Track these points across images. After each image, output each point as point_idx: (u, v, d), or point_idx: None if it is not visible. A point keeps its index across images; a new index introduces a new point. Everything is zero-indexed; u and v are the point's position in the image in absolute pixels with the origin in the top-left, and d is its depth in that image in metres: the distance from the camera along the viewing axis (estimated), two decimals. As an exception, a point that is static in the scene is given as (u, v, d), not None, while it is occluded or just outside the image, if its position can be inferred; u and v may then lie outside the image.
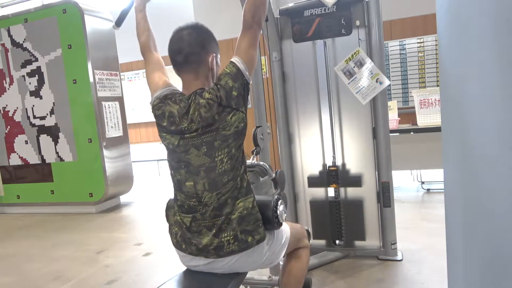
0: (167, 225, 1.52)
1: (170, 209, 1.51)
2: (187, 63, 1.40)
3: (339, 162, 2.60)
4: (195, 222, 1.39)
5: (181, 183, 1.42)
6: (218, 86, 1.35)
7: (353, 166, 2.57)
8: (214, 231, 1.36)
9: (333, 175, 2.59)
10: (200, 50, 1.40)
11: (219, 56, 1.49)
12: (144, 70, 8.53)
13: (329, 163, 2.62)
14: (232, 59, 1.39)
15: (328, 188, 2.64)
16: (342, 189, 2.61)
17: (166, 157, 1.48)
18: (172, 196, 1.51)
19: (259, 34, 1.45)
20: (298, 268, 1.63)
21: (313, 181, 2.65)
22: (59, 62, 4.56)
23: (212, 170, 1.36)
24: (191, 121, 1.35)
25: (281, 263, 1.72)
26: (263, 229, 1.41)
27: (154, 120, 1.47)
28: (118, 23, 1.72)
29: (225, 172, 1.36)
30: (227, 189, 1.37)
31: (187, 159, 1.38)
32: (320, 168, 2.63)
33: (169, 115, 1.39)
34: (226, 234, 1.36)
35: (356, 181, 2.56)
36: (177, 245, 1.46)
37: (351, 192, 2.59)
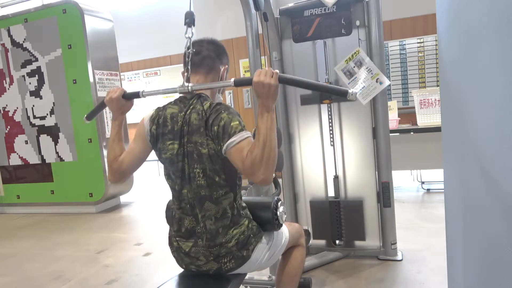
0: (167, 225, 1.52)
1: (169, 210, 1.51)
2: (201, 65, 1.43)
3: (339, 163, 2.60)
4: (195, 247, 1.39)
5: (176, 190, 1.41)
6: (214, 109, 1.31)
7: (353, 166, 2.57)
8: (211, 258, 1.37)
9: (334, 176, 2.59)
10: (215, 58, 1.45)
11: (228, 70, 1.53)
12: (144, 70, 8.46)
13: (329, 163, 2.62)
14: (245, 136, 1.26)
15: (328, 189, 2.64)
16: (342, 189, 2.61)
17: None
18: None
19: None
20: (294, 267, 1.63)
21: (314, 184, 2.65)
22: (59, 62, 4.56)
23: (192, 180, 1.35)
24: (183, 122, 1.35)
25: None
26: (254, 236, 1.40)
27: (161, 140, 1.43)
28: (89, 117, 1.66)
29: (203, 187, 1.33)
30: (211, 214, 1.34)
31: (183, 167, 1.36)
32: (321, 169, 2.63)
33: (172, 116, 1.39)
34: (225, 260, 1.37)
35: (357, 181, 2.56)
36: (179, 263, 1.48)
37: (351, 192, 2.59)
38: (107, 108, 1.54)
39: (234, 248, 1.36)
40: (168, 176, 1.43)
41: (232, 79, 1.34)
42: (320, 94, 2.55)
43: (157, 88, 1.52)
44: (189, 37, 1.40)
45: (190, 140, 1.33)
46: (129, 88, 1.56)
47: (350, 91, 1.20)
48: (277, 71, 1.25)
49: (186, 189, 1.37)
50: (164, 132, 1.39)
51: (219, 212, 1.35)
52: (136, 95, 1.48)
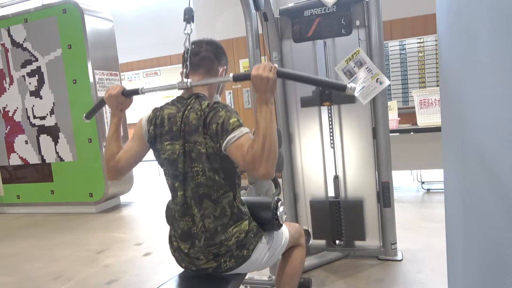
0: (167, 225, 1.52)
1: (169, 210, 1.51)
2: (200, 66, 1.43)
3: (339, 163, 2.60)
4: (193, 249, 1.39)
5: (175, 191, 1.41)
6: (212, 107, 1.32)
7: (353, 166, 2.56)
8: (211, 257, 1.37)
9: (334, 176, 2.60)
10: (214, 59, 1.45)
11: (227, 71, 1.53)
12: (144, 70, 8.47)
13: (329, 163, 2.62)
14: (241, 128, 1.28)
15: (328, 188, 2.64)
16: (342, 189, 2.61)
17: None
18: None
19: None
20: (294, 267, 1.63)
21: (314, 184, 2.65)
22: (59, 62, 4.56)
23: (191, 179, 1.35)
24: (182, 122, 1.35)
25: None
26: (254, 235, 1.40)
27: (159, 141, 1.43)
28: (88, 116, 1.67)
29: (202, 185, 1.34)
30: (210, 212, 1.34)
31: (181, 168, 1.36)
32: (321, 169, 2.63)
33: (169, 116, 1.39)
34: (224, 259, 1.37)
35: (357, 181, 2.56)
36: (178, 261, 1.48)
37: (351, 192, 2.59)
38: (107, 107, 1.54)
39: (234, 247, 1.36)
40: (167, 176, 1.43)
41: (231, 74, 1.33)
42: (320, 96, 2.54)
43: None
44: (188, 33, 1.39)
45: (189, 140, 1.33)
46: (129, 87, 1.56)
47: (348, 85, 1.20)
48: (276, 65, 1.25)
49: (185, 189, 1.37)
50: (162, 132, 1.39)
51: (217, 211, 1.35)
52: (136, 92, 1.47)
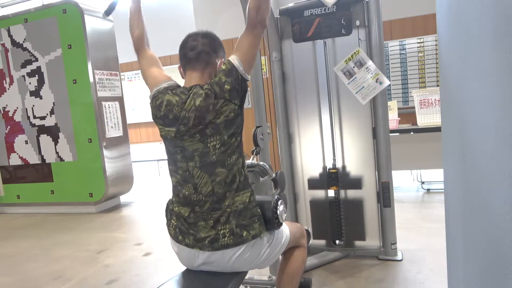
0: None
1: (169, 206, 1.52)
2: (197, 60, 1.45)
3: (339, 162, 2.60)
4: (193, 213, 1.41)
5: (177, 167, 1.44)
6: (212, 81, 1.39)
7: (353, 166, 2.57)
8: (211, 223, 1.39)
9: (333, 177, 2.59)
10: (211, 52, 1.47)
11: None
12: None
13: (329, 163, 2.62)
14: (229, 57, 1.42)
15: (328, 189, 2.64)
16: (342, 190, 2.61)
17: (164, 145, 1.51)
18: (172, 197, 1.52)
19: (262, 34, 1.47)
20: (294, 267, 1.63)
21: (313, 183, 2.65)
22: (59, 62, 4.56)
23: (205, 155, 1.39)
24: (186, 110, 1.38)
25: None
26: (259, 224, 1.42)
27: (154, 120, 1.48)
28: (108, 12, 1.71)
29: (219, 159, 1.38)
30: (222, 178, 1.38)
31: (182, 144, 1.41)
32: (320, 169, 2.63)
33: (167, 104, 1.41)
34: (222, 227, 1.38)
35: (357, 181, 2.56)
36: (175, 236, 1.48)
37: (351, 192, 2.59)
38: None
39: (232, 216, 1.38)
40: (166, 140, 1.47)
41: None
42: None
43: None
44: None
45: (202, 122, 1.37)
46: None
47: None
48: None
49: (192, 162, 1.41)
50: (156, 115, 1.44)
51: (229, 177, 1.39)
52: None
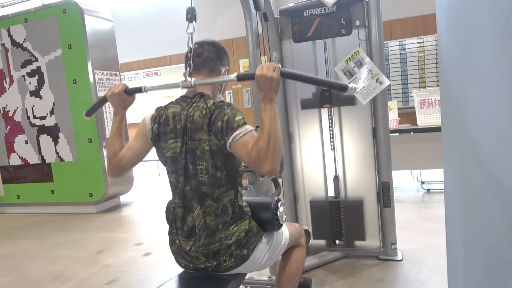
0: (167, 225, 1.52)
1: (169, 210, 1.51)
2: (203, 66, 1.45)
3: (339, 162, 2.60)
4: (194, 247, 1.39)
5: (179, 188, 1.41)
6: (218, 105, 1.34)
7: (353, 166, 2.56)
8: (211, 256, 1.37)
9: (333, 179, 2.59)
10: (216, 60, 1.47)
11: (229, 71, 1.54)
12: (144, 70, 8.46)
13: (329, 163, 2.62)
14: (249, 129, 1.29)
15: (328, 189, 2.64)
16: (342, 189, 2.61)
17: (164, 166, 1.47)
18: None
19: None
20: (294, 267, 1.63)
21: (314, 184, 2.65)
22: (59, 62, 4.56)
23: (194, 176, 1.36)
24: (186, 120, 1.36)
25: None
26: (255, 235, 1.40)
27: (162, 139, 1.44)
28: (89, 114, 1.67)
29: (205, 184, 1.35)
30: (212, 210, 1.35)
31: (185, 164, 1.38)
32: (320, 170, 2.63)
33: (174, 115, 1.40)
34: (223, 258, 1.37)
35: (357, 182, 2.56)
36: (177, 262, 1.49)
37: (351, 192, 2.59)
38: (107, 107, 1.56)
39: (234, 246, 1.36)
40: (170, 173, 1.44)
41: (235, 74, 1.35)
42: (320, 97, 2.54)
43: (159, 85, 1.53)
44: (190, 32, 1.39)
45: (193, 138, 1.34)
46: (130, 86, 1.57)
47: (350, 85, 1.26)
48: (279, 65, 1.28)
49: (189, 186, 1.38)
50: (166, 131, 1.40)
51: (219, 209, 1.36)
52: (139, 90, 1.49)
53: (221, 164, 1.35)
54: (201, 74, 1.45)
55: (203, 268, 1.40)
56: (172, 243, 1.49)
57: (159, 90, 2.72)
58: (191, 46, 1.40)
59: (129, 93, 1.52)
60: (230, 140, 1.28)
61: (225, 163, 1.35)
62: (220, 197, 1.36)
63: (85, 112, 1.66)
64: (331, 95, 2.53)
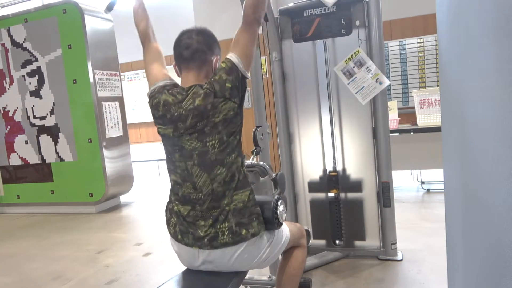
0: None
1: (168, 205, 1.52)
2: (193, 59, 1.44)
3: (339, 162, 2.60)
4: (193, 212, 1.41)
5: (176, 166, 1.44)
6: (213, 79, 1.39)
7: (353, 166, 2.56)
8: (210, 221, 1.38)
9: (333, 179, 2.59)
10: (206, 50, 1.45)
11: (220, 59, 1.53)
12: (144, 70, 8.53)
13: (329, 163, 2.62)
14: (227, 55, 1.42)
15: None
16: (342, 190, 2.61)
17: (162, 143, 1.51)
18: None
19: (258, 31, 1.47)
20: (294, 267, 1.63)
21: (314, 185, 2.65)
22: (59, 62, 4.56)
23: (204, 154, 1.38)
24: (184, 109, 1.38)
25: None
26: (258, 223, 1.42)
27: (154, 120, 1.48)
28: (109, 8, 1.71)
29: (217, 158, 1.38)
30: (221, 177, 1.38)
31: (181, 143, 1.41)
32: (320, 169, 2.63)
33: (164, 103, 1.41)
34: (221, 226, 1.38)
35: (356, 181, 2.56)
36: (174, 235, 1.48)
37: (351, 192, 2.59)
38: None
39: (230, 214, 1.38)
40: (165, 138, 1.47)
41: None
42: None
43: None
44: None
45: (200, 121, 1.37)
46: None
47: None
48: None
49: (191, 161, 1.40)
50: (155, 114, 1.45)
51: (228, 176, 1.39)
52: None
53: (233, 127, 1.39)
54: (191, 67, 1.44)
55: (200, 237, 1.39)
56: (169, 210, 1.50)
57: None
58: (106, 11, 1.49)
59: None
60: (241, 65, 1.39)
61: (236, 125, 1.40)
62: (230, 164, 1.40)
63: (105, 7, 1.72)
64: (330, 94, 2.53)
